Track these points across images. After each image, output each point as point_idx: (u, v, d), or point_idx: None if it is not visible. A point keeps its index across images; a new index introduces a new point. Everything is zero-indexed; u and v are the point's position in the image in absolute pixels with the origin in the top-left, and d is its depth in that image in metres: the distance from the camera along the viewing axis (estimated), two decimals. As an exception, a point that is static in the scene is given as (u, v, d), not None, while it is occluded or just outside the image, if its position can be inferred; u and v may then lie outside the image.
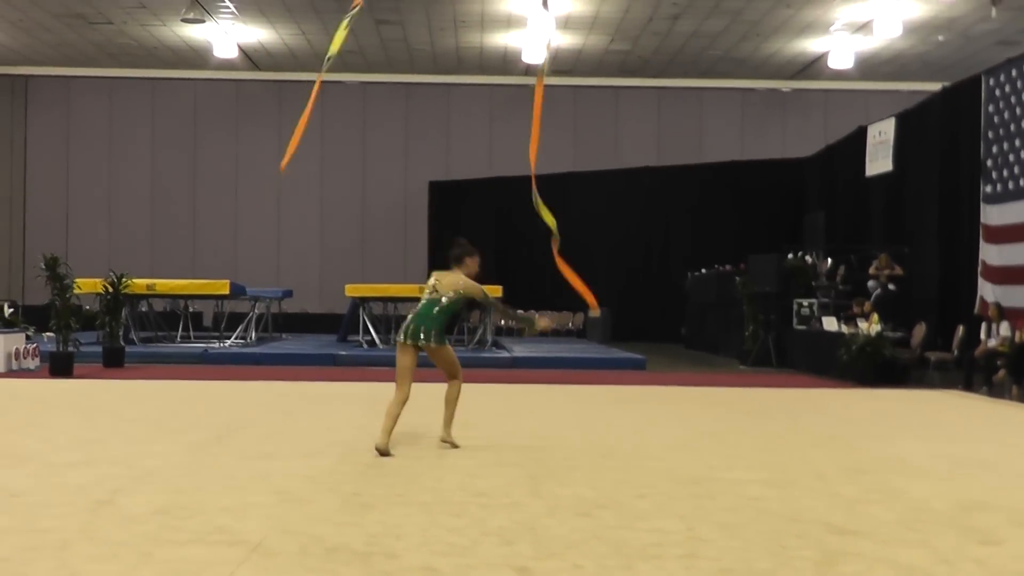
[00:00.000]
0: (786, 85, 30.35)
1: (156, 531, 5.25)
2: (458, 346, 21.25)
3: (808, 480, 6.99)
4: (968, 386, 14.56)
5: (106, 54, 28.31)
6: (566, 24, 24.56)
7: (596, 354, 19.65)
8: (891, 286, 18.73)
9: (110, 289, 17.47)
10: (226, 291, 20.33)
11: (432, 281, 8.31)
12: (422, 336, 8.05)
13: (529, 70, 28.57)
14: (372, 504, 5.97)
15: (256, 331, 22.19)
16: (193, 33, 25.90)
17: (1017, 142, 17.09)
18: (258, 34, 26.18)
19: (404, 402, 8.05)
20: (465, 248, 8.41)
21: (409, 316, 8.27)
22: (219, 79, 30.17)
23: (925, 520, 5.75)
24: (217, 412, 10.77)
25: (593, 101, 30.53)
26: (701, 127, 30.69)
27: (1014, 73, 17.33)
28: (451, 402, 8.35)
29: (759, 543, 5.14)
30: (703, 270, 25.32)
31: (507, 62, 28.32)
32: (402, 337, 8.12)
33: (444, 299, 8.17)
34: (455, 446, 8.22)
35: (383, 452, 7.77)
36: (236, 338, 21.16)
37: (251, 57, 28.46)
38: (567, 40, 26.02)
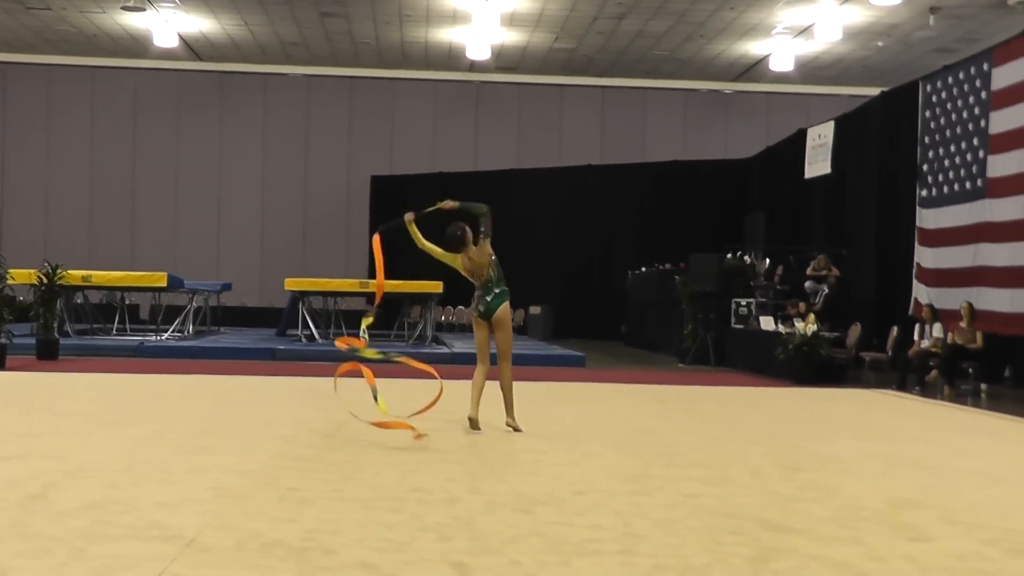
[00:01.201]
0: (729, 87, 30.62)
1: (89, 526, 5.17)
2: (398, 341, 21.27)
3: (744, 477, 7.06)
4: (902, 386, 14.78)
5: (44, 40, 27.89)
6: (511, 21, 24.59)
7: (536, 350, 19.68)
8: (825, 287, 18.95)
9: (45, 280, 17.22)
10: (163, 283, 20.08)
11: (466, 272, 9.06)
12: (496, 311, 8.93)
13: (474, 66, 28.60)
14: (310, 499, 5.93)
15: (194, 324, 21.99)
16: (133, 21, 25.61)
17: (952, 148, 17.38)
18: (200, 24, 25.92)
19: (486, 372, 8.99)
20: (459, 229, 9.08)
21: (476, 301, 9.01)
22: (160, 68, 29.84)
23: (858, 517, 5.82)
24: (153, 406, 10.66)
25: (537, 98, 30.60)
26: (644, 126, 30.87)
27: (950, 80, 17.62)
28: (509, 387, 9.10)
29: (695, 539, 5.18)
30: (644, 269, 25.47)
31: (452, 57, 28.29)
32: (478, 316, 9.02)
33: (493, 278, 8.96)
34: (517, 430, 8.96)
35: (473, 421, 8.82)
36: (173, 331, 20.97)
37: (193, 47, 28.19)
38: (512, 37, 26.06)
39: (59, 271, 17.40)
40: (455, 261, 9.08)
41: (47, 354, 16.76)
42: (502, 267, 9.14)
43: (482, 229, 8.92)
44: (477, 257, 8.96)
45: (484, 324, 9.07)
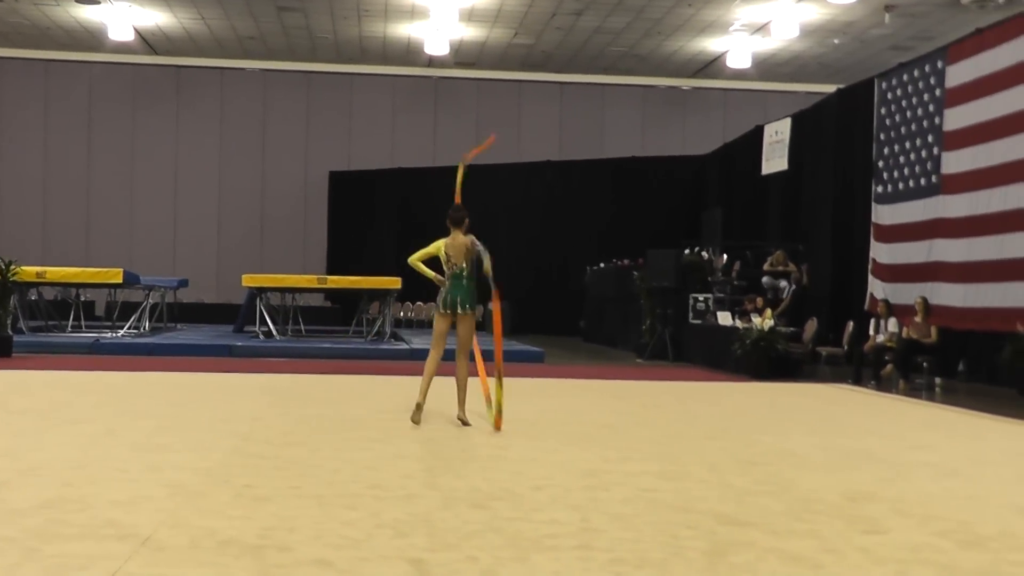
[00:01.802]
0: (686, 83, 30.74)
1: (43, 525, 5.12)
2: (356, 338, 21.20)
3: (701, 472, 7.10)
4: (857, 380, 14.91)
5: (-4, 34, 27.55)
6: (470, 16, 24.57)
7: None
8: (783, 282, 19.07)
9: (-2, 276, 17.02)
10: (119, 280, 19.92)
11: (444, 256, 9.24)
12: (459, 308, 9.20)
13: (432, 61, 28.54)
14: (266, 497, 5.90)
15: (150, 321, 21.81)
16: (88, 14, 25.35)
17: (907, 144, 17.55)
18: (156, 17, 25.70)
19: (438, 361, 9.28)
20: (463, 210, 9.43)
21: (443, 290, 9.27)
22: (115, 62, 29.54)
23: (813, 510, 5.87)
24: (108, 403, 10.56)
25: (496, 94, 30.58)
26: (603, 123, 30.94)
27: (905, 77, 17.79)
28: (464, 381, 9.28)
29: (651, 534, 5.20)
30: (602, 264, 25.53)
31: (410, 53, 28.22)
32: (441, 308, 9.25)
33: (466, 269, 9.24)
34: (466, 424, 9.10)
35: (420, 408, 9.06)
36: (129, 328, 20.78)
37: (148, 41, 27.94)
38: (471, 32, 26.03)
39: (13, 267, 17.20)
40: (438, 247, 9.28)
41: (1, 352, 16.56)
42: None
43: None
44: (461, 243, 9.25)
45: (447, 317, 9.31)
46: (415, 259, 9.35)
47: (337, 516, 5.45)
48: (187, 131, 30.33)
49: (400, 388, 9.87)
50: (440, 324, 9.33)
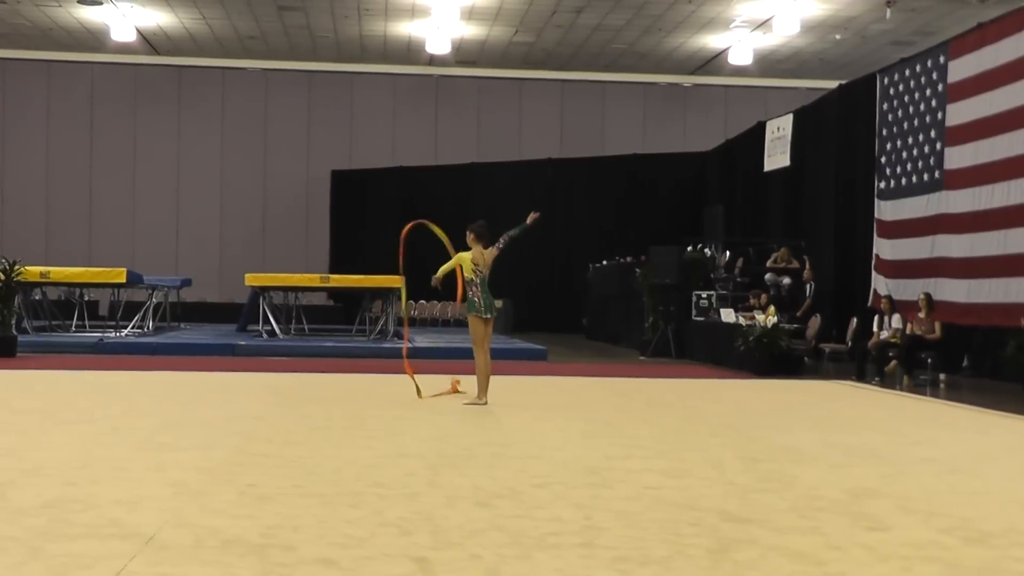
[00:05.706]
0: (687, 80, 30.73)
1: (46, 525, 5.12)
2: (359, 337, 21.20)
3: (704, 469, 7.09)
4: (861, 377, 14.90)
5: (-2, 35, 27.56)
6: (471, 14, 24.56)
7: (497, 344, 19.61)
8: (786, 279, 19.02)
9: (2, 276, 17.01)
10: (123, 279, 19.91)
11: (472, 265, 10.44)
12: (494, 312, 10.59)
13: (433, 60, 28.54)
14: (269, 496, 5.90)
15: (153, 320, 21.81)
16: (90, 15, 25.36)
17: (910, 140, 17.53)
18: (157, 17, 25.71)
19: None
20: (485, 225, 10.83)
21: (479, 297, 10.41)
22: (117, 63, 29.56)
23: (817, 507, 5.86)
24: (112, 403, 10.56)
25: (497, 92, 30.58)
26: (603, 120, 30.93)
27: (907, 73, 17.76)
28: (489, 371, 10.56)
29: (655, 532, 5.20)
30: (604, 262, 25.53)
31: (411, 51, 28.22)
32: (487, 313, 10.42)
33: (488, 278, 10.51)
34: (486, 404, 10.43)
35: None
36: (133, 327, 20.79)
37: (150, 41, 27.95)
38: (471, 31, 26.03)
39: (16, 267, 17.20)
40: (463, 259, 10.50)
41: (5, 351, 16.56)
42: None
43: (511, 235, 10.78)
44: (490, 256, 10.62)
45: (489, 320, 10.48)
46: (442, 273, 10.59)
47: (340, 515, 5.44)
48: (189, 131, 30.35)
49: (403, 387, 9.84)
50: (483, 327, 10.41)
